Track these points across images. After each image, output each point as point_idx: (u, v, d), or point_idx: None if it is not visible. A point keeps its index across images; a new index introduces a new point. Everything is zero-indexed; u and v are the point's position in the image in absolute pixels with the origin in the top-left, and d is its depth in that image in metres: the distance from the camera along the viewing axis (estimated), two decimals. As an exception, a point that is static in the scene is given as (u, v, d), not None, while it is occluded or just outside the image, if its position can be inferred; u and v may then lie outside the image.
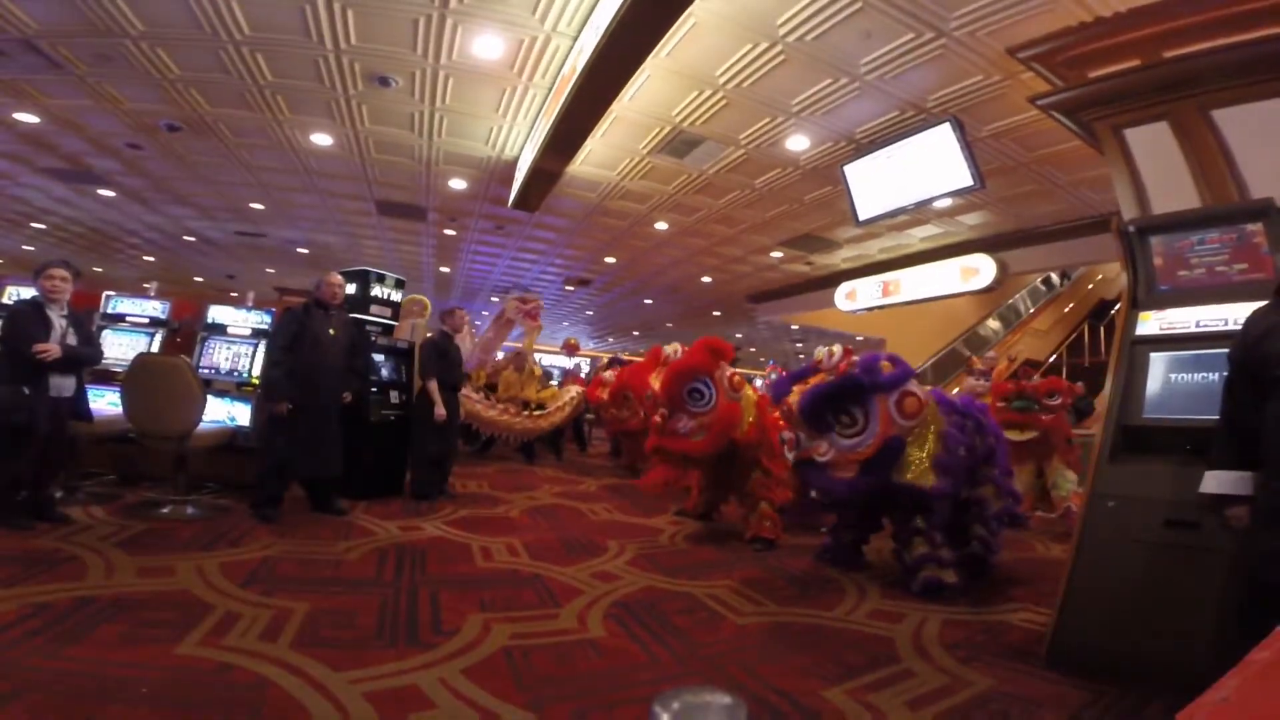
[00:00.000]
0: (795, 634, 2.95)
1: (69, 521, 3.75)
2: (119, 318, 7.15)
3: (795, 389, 4.03)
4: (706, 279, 12.14)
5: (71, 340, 3.77)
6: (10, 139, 7.50)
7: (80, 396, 3.92)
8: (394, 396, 5.73)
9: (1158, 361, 2.71)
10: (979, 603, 3.52)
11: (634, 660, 2.53)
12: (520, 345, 9.23)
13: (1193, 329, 2.64)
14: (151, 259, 14.30)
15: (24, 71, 5.70)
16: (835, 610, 3.30)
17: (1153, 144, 2.98)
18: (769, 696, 2.27)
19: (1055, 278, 14.85)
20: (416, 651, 2.42)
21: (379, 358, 5.68)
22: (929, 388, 4.06)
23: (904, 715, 2.20)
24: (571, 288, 14.10)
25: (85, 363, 3.94)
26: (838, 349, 3.94)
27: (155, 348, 6.15)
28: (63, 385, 3.76)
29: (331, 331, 4.59)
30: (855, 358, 3.85)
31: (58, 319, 3.74)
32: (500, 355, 9.66)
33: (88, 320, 4.04)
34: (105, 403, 5.08)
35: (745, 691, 2.29)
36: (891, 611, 3.31)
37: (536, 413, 8.22)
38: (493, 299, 16.38)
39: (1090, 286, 15.77)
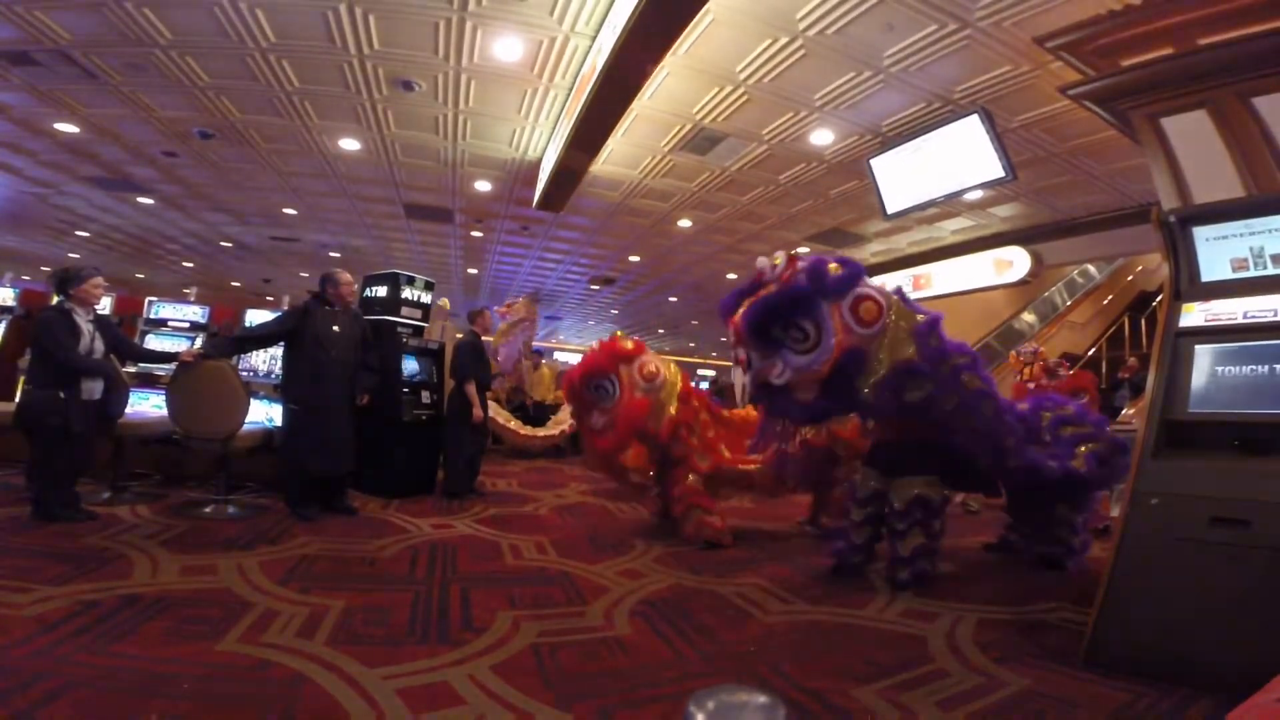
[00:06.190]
0: (824, 633, 2.93)
1: (94, 518, 3.89)
2: (161, 322, 7.41)
3: (743, 304, 3.40)
4: (732, 275, 12.06)
5: (99, 344, 3.94)
6: (53, 148, 7.77)
7: (108, 399, 4.03)
8: (425, 396, 5.82)
9: (1203, 354, 2.63)
10: (1015, 602, 3.45)
11: (660, 658, 2.54)
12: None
13: (1240, 320, 2.56)
14: (190, 265, 14.71)
15: (62, 81, 5.91)
16: (866, 609, 3.27)
17: (1192, 133, 2.87)
18: (797, 695, 2.25)
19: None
20: (447, 648, 2.46)
21: (409, 358, 5.77)
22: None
23: (935, 715, 2.17)
24: (596, 286, 14.14)
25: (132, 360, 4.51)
26: (781, 256, 3.37)
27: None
28: (93, 388, 3.90)
29: (336, 328, 4.54)
30: (802, 264, 3.29)
31: (85, 324, 3.89)
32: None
33: (107, 324, 4.22)
34: (149, 405, 5.27)
35: (772, 690, 2.28)
36: (924, 610, 3.26)
37: (539, 431, 8.71)
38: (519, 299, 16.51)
39: (1130, 278, 15.32)
